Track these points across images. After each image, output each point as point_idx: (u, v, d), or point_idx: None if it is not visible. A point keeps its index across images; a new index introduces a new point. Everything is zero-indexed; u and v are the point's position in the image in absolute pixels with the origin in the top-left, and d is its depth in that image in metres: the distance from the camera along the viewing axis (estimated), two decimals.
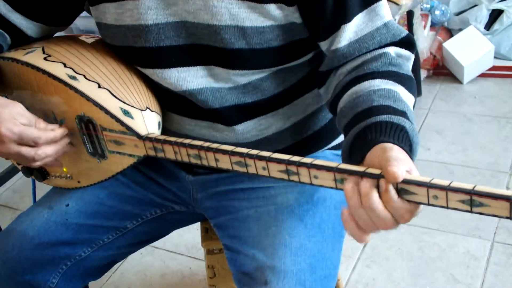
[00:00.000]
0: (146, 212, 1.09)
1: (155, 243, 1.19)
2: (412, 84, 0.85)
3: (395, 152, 0.68)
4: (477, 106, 2.46)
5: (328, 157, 1.07)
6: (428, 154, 2.17)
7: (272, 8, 0.84)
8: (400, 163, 0.65)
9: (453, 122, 2.37)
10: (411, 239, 1.79)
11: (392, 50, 0.86)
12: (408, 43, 0.88)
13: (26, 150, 0.89)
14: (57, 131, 0.93)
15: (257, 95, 0.95)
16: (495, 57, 2.63)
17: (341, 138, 1.08)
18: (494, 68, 2.64)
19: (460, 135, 2.27)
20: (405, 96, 0.81)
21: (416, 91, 0.85)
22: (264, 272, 0.87)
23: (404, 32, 0.88)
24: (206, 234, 1.23)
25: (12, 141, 0.88)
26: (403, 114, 0.76)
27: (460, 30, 2.69)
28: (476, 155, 2.12)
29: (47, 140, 0.91)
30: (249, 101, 0.95)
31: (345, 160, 0.77)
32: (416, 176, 0.66)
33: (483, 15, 2.68)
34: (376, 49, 0.86)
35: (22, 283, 1.00)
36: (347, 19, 0.84)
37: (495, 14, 2.71)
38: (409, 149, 0.72)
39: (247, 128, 0.97)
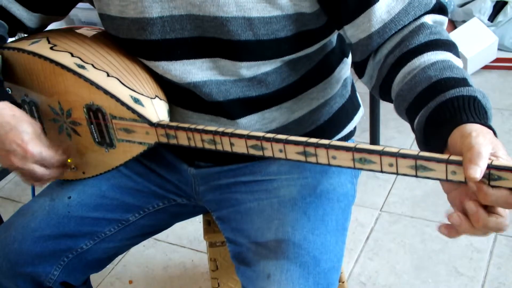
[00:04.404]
0: (148, 204, 1.08)
1: (158, 236, 1.19)
2: (457, 49, 0.82)
3: (474, 137, 0.64)
4: None
5: None
6: None
7: None
8: (479, 156, 0.62)
9: None
10: (414, 232, 1.79)
11: (428, 19, 0.84)
12: (440, 8, 0.86)
13: (40, 170, 0.91)
14: (64, 157, 0.94)
15: (262, 89, 0.94)
16: (498, 49, 2.62)
17: (345, 131, 1.08)
18: (497, 60, 2.63)
19: None
20: (457, 62, 0.79)
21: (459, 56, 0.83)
22: (267, 265, 0.87)
23: None
24: (209, 227, 1.23)
25: (33, 160, 0.89)
26: (465, 81, 0.74)
27: (464, 22, 2.68)
28: None
29: (59, 164, 0.93)
30: (254, 94, 0.94)
31: (421, 146, 0.75)
32: (432, 154, 0.65)
33: (487, 6, 2.67)
34: (412, 21, 0.83)
35: (23, 275, 1.00)
36: (372, 1, 0.81)
37: (499, 6, 2.70)
38: (486, 116, 0.70)
39: (251, 122, 0.97)
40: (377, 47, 0.85)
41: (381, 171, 0.70)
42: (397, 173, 0.69)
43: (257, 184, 1.01)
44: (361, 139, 2.20)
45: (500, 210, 0.65)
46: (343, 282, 1.26)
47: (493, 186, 0.63)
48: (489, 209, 0.66)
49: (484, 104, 0.72)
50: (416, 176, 0.68)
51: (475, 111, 0.70)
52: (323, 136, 1.04)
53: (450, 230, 0.68)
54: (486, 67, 2.64)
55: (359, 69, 0.90)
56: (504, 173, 0.62)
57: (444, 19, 0.86)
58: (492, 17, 2.70)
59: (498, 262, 1.64)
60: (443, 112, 0.71)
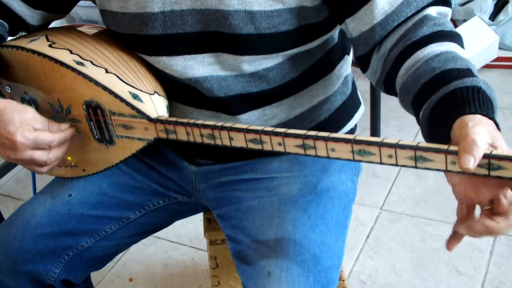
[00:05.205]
0: (149, 202, 1.08)
1: (158, 234, 1.19)
2: (461, 40, 0.82)
3: (470, 127, 0.64)
4: None
5: None
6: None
7: None
8: (473, 145, 0.62)
9: None
10: (414, 230, 1.79)
11: (432, 11, 0.83)
12: (443, 0, 0.85)
13: (39, 155, 0.89)
14: (67, 132, 0.93)
15: (262, 84, 0.94)
16: (499, 48, 2.62)
17: (345, 129, 1.08)
18: (498, 59, 2.63)
19: None
20: (462, 52, 0.78)
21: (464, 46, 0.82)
22: (268, 263, 0.87)
23: None
24: (209, 225, 1.23)
25: (27, 148, 0.87)
26: (469, 72, 0.73)
27: (465, 20, 2.68)
28: None
29: (60, 142, 0.92)
30: (255, 90, 0.94)
31: (427, 140, 0.74)
32: (432, 145, 0.65)
33: (488, 5, 2.67)
34: (415, 13, 0.83)
35: (24, 273, 1.00)
36: None
37: (500, 5, 2.70)
38: (491, 107, 0.69)
39: (251, 118, 0.97)
40: (381, 40, 0.85)
41: (381, 163, 0.70)
42: (396, 164, 0.69)
43: (258, 182, 1.01)
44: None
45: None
46: (343, 280, 1.26)
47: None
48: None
49: (489, 94, 0.70)
50: (415, 167, 0.67)
51: (479, 102, 0.68)
52: None
53: (455, 241, 0.71)
54: (486, 66, 2.64)
55: (362, 63, 0.89)
56: (503, 163, 0.62)
57: (447, 11, 0.86)
58: (493, 16, 2.70)
59: (498, 261, 1.65)
60: (446, 104, 0.71)
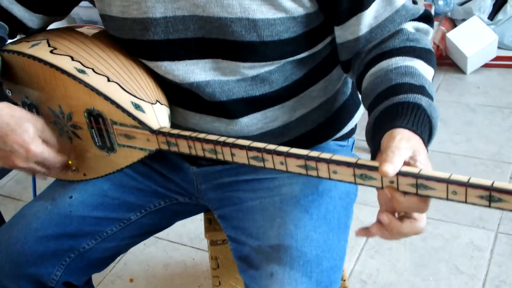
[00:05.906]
0: (150, 203, 1.08)
1: (159, 234, 1.19)
2: (431, 56, 0.86)
3: (397, 141, 0.69)
4: (480, 96, 2.45)
5: (332, 148, 1.07)
6: (431, 143, 2.16)
7: None
8: (395, 156, 0.67)
9: (457, 112, 2.36)
10: None
11: (409, 26, 0.88)
12: (426, 17, 0.90)
13: (41, 170, 0.94)
14: (65, 158, 0.96)
15: (265, 87, 0.94)
16: (498, 48, 2.63)
17: (346, 129, 1.08)
18: (497, 58, 2.64)
19: (463, 125, 2.27)
20: (424, 70, 0.82)
21: (435, 63, 0.87)
22: (270, 264, 0.87)
23: (422, 9, 0.90)
24: (210, 225, 1.23)
25: (35, 160, 0.91)
26: (420, 89, 0.78)
27: (464, 20, 2.68)
28: (480, 145, 2.12)
29: (60, 165, 0.95)
30: (257, 94, 0.94)
31: (369, 143, 0.79)
32: (434, 172, 0.67)
33: (487, 5, 2.67)
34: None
35: (26, 276, 1.00)
36: (364, 7, 0.85)
37: (499, 4, 2.70)
38: (429, 125, 0.74)
39: (253, 121, 0.97)
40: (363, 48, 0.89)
41: (382, 188, 0.71)
42: (397, 190, 0.70)
43: (259, 182, 1.01)
44: (362, 137, 2.20)
45: (415, 214, 0.70)
46: (344, 280, 1.26)
47: (405, 193, 0.68)
48: (405, 214, 0.71)
49: (429, 113, 0.75)
50: (417, 194, 0.68)
51: (414, 118, 0.73)
52: (324, 133, 1.05)
53: (366, 232, 0.75)
54: (486, 65, 2.65)
55: (344, 66, 0.94)
56: (504, 196, 0.62)
57: (427, 28, 0.90)
58: (492, 16, 2.70)
59: (499, 260, 1.65)
60: (387, 115, 0.75)
